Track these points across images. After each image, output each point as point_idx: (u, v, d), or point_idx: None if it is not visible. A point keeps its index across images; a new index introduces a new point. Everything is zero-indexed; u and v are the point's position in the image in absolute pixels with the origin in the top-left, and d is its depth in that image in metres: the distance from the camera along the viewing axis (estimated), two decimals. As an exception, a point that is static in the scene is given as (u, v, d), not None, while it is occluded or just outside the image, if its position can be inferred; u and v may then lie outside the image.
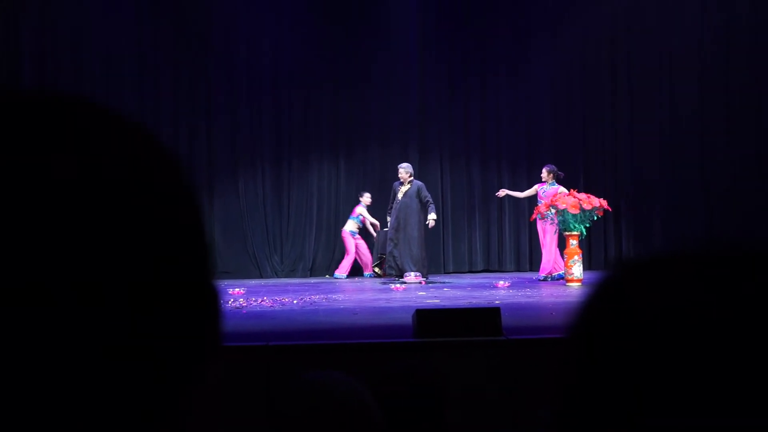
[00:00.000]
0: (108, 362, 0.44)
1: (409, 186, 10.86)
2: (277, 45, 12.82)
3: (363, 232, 12.21)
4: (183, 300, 0.47)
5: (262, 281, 11.59)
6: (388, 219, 11.21)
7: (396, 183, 11.13)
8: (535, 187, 10.84)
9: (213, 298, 0.49)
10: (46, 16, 11.71)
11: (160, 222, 0.46)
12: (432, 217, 10.73)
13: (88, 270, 0.43)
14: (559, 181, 10.55)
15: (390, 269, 10.84)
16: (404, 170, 10.91)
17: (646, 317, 0.47)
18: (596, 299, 0.52)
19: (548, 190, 10.40)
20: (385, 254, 11.87)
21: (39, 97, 0.47)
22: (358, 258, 12.15)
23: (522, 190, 11.44)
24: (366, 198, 12.26)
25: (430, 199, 10.83)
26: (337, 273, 12.07)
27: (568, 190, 9.70)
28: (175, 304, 0.46)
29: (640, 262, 0.51)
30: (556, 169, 10.64)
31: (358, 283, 10.95)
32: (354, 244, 12.05)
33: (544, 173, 10.64)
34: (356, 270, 12.16)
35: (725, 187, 12.37)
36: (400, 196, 10.85)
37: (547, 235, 10.24)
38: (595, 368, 0.48)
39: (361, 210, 12.18)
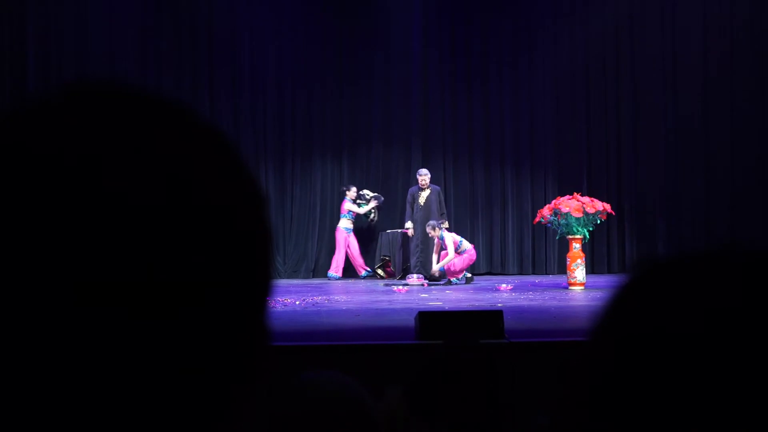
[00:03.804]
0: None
1: (428, 191, 10.93)
2: (279, 44, 12.82)
3: (360, 231, 12.10)
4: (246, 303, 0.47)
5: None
6: (408, 224, 11.25)
7: (414, 188, 11.17)
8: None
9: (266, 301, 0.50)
10: (51, 17, 11.75)
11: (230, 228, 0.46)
12: (444, 225, 10.90)
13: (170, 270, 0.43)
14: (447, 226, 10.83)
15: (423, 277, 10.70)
16: (426, 177, 10.99)
17: (676, 319, 0.46)
18: (621, 301, 0.51)
19: (442, 240, 10.41)
20: (388, 256, 11.86)
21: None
22: (350, 258, 11.92)
23: (525, 193, 11.42)
24: (352, 192, 12.00)
25: (445, 210, 11.12)
26: (330, 272, 11.90)
27: (571, 194, 9.68)
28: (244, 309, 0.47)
29: (664, 263, 0.51)
30: (434, 222, 10.55)
31: (353, 285, 10.90)
32: (345, 241, 11.81)
33: (430, 231, 10.48)
34: (350, 271, 12.04)
35: (729, 191, 12.35)
36: (421, 201, 10.92)
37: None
38: (623, 371, 0.47)
39: (349, 206, 11.91)
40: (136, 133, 0.44)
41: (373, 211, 12.08)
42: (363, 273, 11.86)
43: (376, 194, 12.08)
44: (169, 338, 0.43)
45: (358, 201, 11.98)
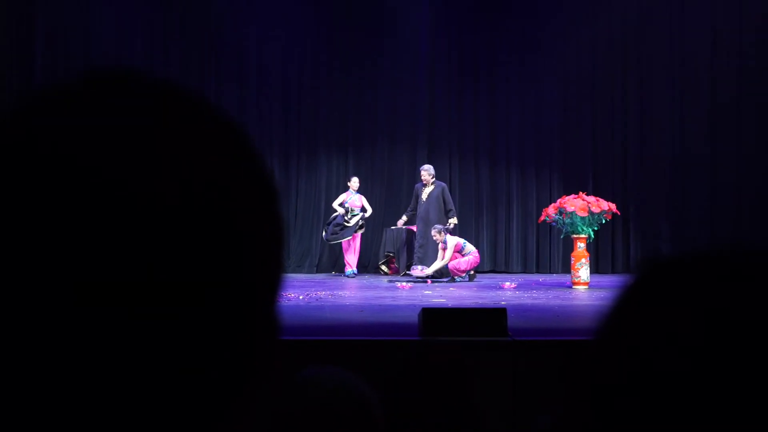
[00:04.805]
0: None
1: (432, 187, 10.90)
2: (286, 41, 12.83)
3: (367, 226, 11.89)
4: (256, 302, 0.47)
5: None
6: (402, 218, 11.23)
7: (418, 185, 11.14)
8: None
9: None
10: (57, 15, 11.76)
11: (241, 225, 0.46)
12: (453, 221, 10.81)
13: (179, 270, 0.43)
14: (452, 232, 10.69)
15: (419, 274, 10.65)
16: (427, 172, 10.94)
17: (680, 319, 0.46)
18: (625, 301, 0.51)
19: (445, 244, 10.35)
20: (392, 252, 11.85)
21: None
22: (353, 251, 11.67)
23: (530, 191, 11.39)
24: (353, 182, 11.69)
25: (452, 206, 10.91)
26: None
27: (577, 193, 9.67)
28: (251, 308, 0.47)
29: (668, 262, 0.51)
30: (440, 227, 10.46)
31: (357, 280, 10.89)
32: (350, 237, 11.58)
33: (435, 235, 10.39)
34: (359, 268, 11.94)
35: (734, 191, 12.33)
36: (424, 197, 10.88)
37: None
38: (627, 371, 0.47)
39: (342, 196, 11.69)
40: (136, 130, 0.44)
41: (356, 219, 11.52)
42: (348, 271, 11.53)
43: (360, 222, 11.51)
44: (169, 339, 0.43)
45: (348, 215, 11.57)
